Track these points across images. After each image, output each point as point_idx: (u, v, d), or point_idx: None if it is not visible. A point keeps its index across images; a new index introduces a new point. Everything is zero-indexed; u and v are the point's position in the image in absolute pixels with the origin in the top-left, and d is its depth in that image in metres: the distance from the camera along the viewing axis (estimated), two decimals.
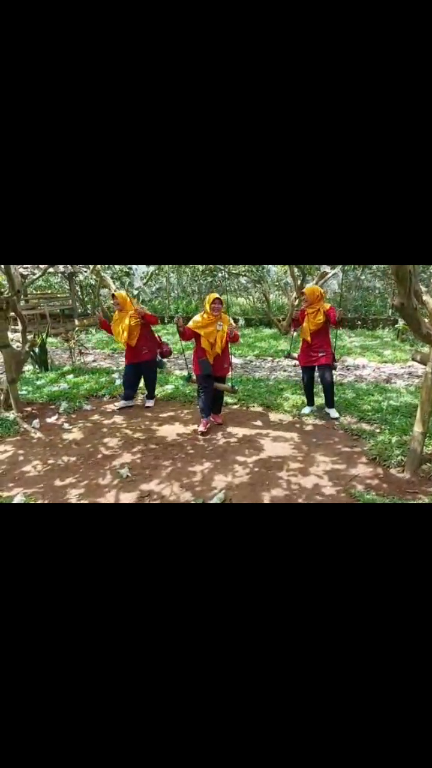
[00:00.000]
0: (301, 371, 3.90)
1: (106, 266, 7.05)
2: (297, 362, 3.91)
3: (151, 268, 7.38)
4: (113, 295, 3.82)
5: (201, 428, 3.45)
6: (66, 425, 3.75)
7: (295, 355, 3.88)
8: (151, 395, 4.20)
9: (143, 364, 3.98)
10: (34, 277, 4.83)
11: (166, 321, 9.91)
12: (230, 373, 3.67)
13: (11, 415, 3.83)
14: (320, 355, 3.58)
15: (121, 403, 4.11)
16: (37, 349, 5.44)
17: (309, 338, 3.58)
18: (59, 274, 9.64)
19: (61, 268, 8.71)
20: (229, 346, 3.47)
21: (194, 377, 3.54)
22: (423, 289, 2.74)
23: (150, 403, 4.16)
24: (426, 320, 2.57)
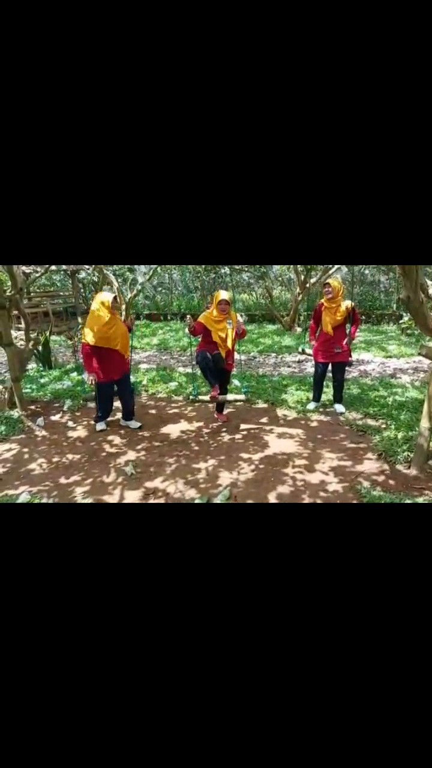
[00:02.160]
0: (310, 366, 3.86)
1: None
2: (311, 357, 3.84)
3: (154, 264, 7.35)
4: (116, 298, 3.29)
5: (213, 393, 3.29)
6: (70, 423, 3.75)
7: (309, 350, 3.82)
8: (132, 412, 3.61)
9: (124, 378, 3.41)
10: (37, 275, 4.83)
11: (169, 318, 9.89)
12: (234, 369, 3.65)
13: (16, 413, 3.84)
14: (336, 351, 3.52)
15: (102, 425, 3.56)
16: (40, 347, 5.44)
17: (331, 331, 3.48)
18: (61, 272, 9.64)
19: (63, 266, 8.69)
20: (236, 342, 3.44)
21: (198, 395, 3.50)
22: (429, 282, 2.70)
23: (136, 425, 3.58)
24: None
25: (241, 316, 3.53)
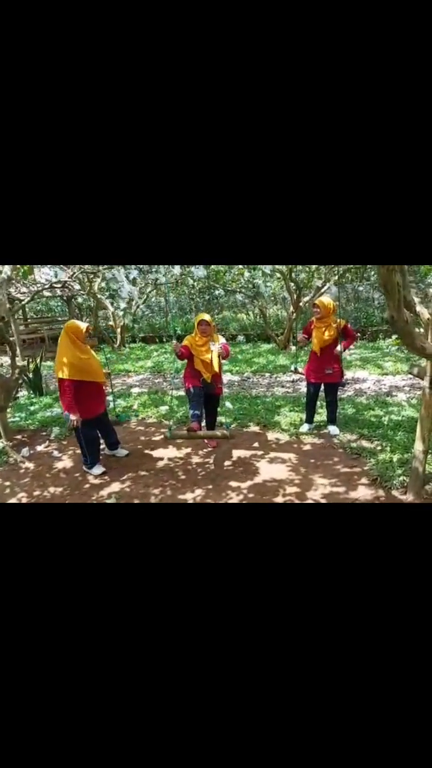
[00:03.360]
0: (304, 386, 3.75)
1: (104, 289, 7.08)
2: (302, 376, 3.73)
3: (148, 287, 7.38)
4: (88, 328, 3.07)
5: (193, 425, 2.97)
6: (56, 453, 3.64)
7: (301, 369, 3.72)
8: (117, 441, 3.44)
9: (104, 410, 3.22)
10: (24, 302, 4.81)
11: (164, 340, 9.88)
12: (225, 391, 3.54)
13: (0, 444, 3.73)
14: (327, 372, 3.40)
15: (101, 469, 3.17)
16: (30, 374, 5.38)
17: (318, 351, 3.37)
18: (57, 298, 9.71)
19: (58, 291, 8.77)
20: (222, 364, 3.34)
21: (173, 431, 3.08)
22: (416, 300, 2.62)
23: (123, 452, 3.45)
24: (420, 331, 2.46)
25: (234, 337, 3.42)
